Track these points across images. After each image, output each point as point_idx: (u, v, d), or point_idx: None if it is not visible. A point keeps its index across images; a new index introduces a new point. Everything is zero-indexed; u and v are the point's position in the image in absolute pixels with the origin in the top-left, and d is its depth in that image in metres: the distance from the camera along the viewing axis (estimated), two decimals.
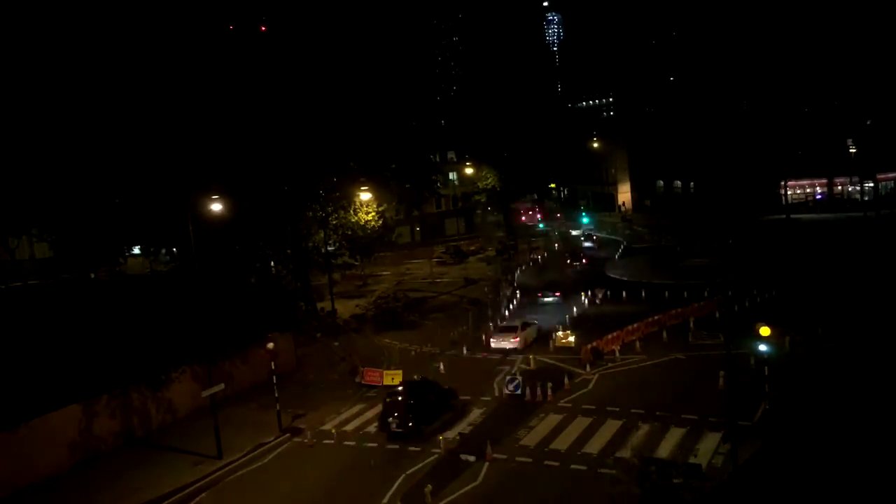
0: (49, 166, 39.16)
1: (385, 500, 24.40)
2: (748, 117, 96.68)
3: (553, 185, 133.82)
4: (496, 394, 34.10)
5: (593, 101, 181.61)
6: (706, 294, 48.67)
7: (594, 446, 27.16)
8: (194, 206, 32.88)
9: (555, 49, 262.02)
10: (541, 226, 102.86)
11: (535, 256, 79.22)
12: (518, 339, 41.11)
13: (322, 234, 51.08)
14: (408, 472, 26.30)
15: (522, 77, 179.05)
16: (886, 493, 21.80)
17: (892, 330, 36.91)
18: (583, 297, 53.30)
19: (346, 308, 54.13)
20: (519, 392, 33.22)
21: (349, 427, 31.55)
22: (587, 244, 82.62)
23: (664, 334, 41.32)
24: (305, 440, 30.32)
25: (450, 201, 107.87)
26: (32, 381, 28.30)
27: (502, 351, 40.91)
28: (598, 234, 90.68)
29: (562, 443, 27.87)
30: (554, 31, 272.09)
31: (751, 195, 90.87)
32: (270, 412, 32.05)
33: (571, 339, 41.07)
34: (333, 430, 30.56)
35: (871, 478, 22.56)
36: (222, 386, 30.51)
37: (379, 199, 54.90)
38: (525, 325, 42.73)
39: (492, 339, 42.12)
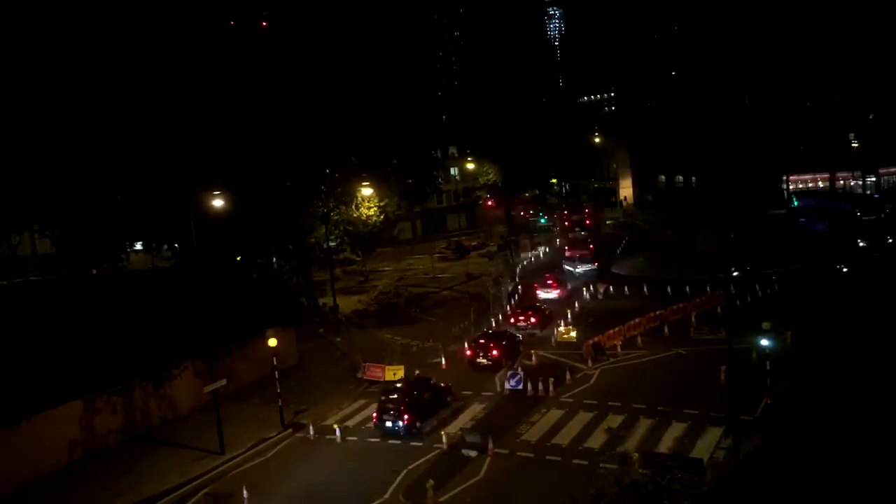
0: (51, 163, 39.16)
1: (387, 495, 24.44)
2: (750, 111, 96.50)
3: (554, 180, 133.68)
4: (497, 389, 34.10)
5: (595, 95, 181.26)
6: (708, 289, 48.63)
7: (596, 441, 27.20)
8: (196, 202, 32.87)
9: (556, 44, 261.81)
10: (542, 220, 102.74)
11: (537, 251, 79.17)
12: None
13: (323, 230, 51.06)
14: (409, 468, 26.34)
15: (524, 72, 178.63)
16: (887, 487, 21.80)
17: (892, 325, 36.87)
18: (584, 293, 53.32)
19: (347, 303, 54.10)
20: (520, 387, 33.23)
21: (351, 422, 31.60)
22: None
23: (666, 329, 41.33)
24: (308, 435, 30.37)
25: (451, 196, 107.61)
26: (34, 377, 28.31)
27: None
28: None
29: (563, 438, 27.92)
30: (555, 26, 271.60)
31: (753, 190, 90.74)
32: (272, 407, 32.08)
33: (573, 334, 41.10)
34: (335, 426, 30.58)
35: (872, 472, 22.56)
36: (224, 382, 30.51)
37: (380, 194, 54.87)
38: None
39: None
